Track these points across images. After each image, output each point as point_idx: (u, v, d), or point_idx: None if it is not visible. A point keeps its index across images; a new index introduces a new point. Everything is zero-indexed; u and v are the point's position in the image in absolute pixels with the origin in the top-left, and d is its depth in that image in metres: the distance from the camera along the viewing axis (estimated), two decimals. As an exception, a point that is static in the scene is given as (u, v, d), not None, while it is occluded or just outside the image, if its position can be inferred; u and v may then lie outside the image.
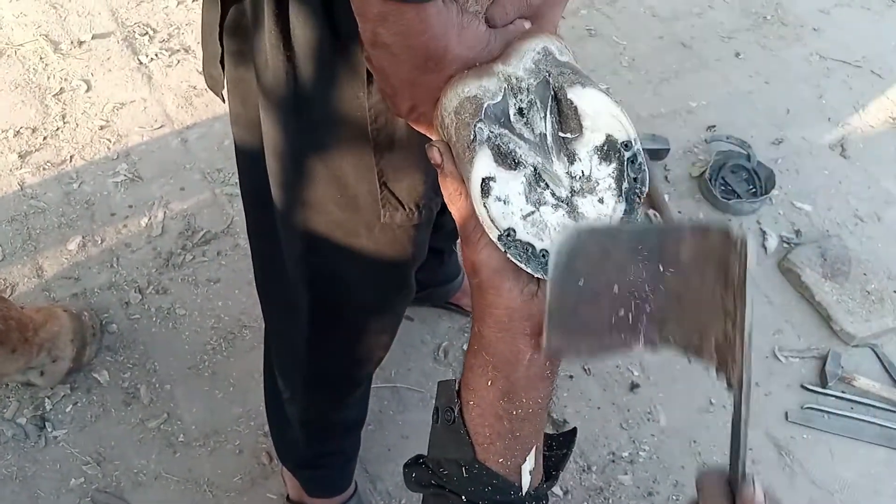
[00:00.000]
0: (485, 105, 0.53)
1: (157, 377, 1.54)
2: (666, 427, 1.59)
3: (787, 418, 1.62)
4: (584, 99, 0.53)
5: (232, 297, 1.67)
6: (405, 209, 0.80)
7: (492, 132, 0.53)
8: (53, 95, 1.96)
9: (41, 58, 2.04)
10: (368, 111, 0.70)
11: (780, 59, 2.37)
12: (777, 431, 1.60)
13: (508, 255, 0.53)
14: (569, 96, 0.53)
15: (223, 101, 0.87)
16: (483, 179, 0.52)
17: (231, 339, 1.61)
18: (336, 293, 0.94)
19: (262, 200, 0.89)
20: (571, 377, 1.64)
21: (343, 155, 0.76)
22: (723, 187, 1.98)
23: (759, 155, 2.04)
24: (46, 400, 1.48)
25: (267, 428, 1.48)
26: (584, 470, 1.52)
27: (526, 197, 0.53)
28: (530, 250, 0.53)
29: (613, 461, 1.54)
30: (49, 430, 1.44)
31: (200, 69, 2.06)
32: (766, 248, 1.90)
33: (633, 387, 1.64)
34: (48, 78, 2.00)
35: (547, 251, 0.53)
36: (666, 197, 1.94)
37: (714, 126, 2.14)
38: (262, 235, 0.97)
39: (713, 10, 2.48)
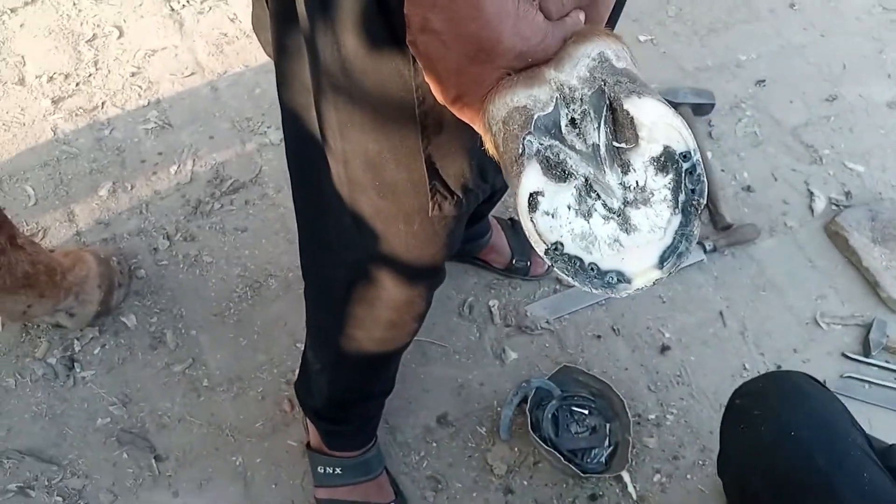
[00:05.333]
0: (535, 116, 0.50)
1: (183, 323, 1.55)
2: (695, 391, 1.54)
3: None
4: (642, 110, 0.49)
5: (259, 247, 1.66)
6: (452, 198, 0.74)
7: (541, 144, 0.50)
8: (86, 42, 1.96)
9: (74, 3, 2.03)
10: (415, 91, 0.64)
11: (839, 11, 2.22)
12: (814, 400, 1.54)
13: (555, 269, 0.51)
14: (625, 107, 0.49)
15: None
16: (531, 194, 0.50)
17: (257, 287, 1.61)
18: (371, 281, 0.91)
19: (308, 173, 0.84)
20: (599, 337, 1.59)
21: (382, 137, 0.69)
22: None
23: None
24: (76, 341, 1.50)
25: (289, 376, 1.48)
26: (608, 431, 1.48)
27: (576, 210, 0.51)
28: (578, 264, 0.51)
29: (639, 423, 1.50)
30: (77, 370, 1.47)
31: (232, 16, 2.04)
32: (812, 210, 1.80)
33: (664, 349, 1.59)
34: (81, 24, 1.99)
35: (596, 264, 0.51)
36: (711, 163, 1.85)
37: (763, 80, 2.03)
38: (309, 210, 0.93)
39: (768, -42, 2.33)
